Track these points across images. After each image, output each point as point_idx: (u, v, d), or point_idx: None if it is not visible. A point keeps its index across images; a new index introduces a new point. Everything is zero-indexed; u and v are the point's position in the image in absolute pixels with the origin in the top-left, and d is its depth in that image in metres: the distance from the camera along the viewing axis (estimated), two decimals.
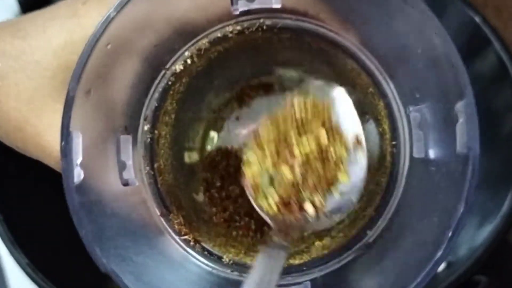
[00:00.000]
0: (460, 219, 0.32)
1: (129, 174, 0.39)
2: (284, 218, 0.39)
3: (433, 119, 0.36)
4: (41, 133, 0.40)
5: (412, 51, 0.36)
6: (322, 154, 0.39)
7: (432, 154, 0.37)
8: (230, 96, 0.48)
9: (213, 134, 0.49)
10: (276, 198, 0.38)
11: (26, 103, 0.40)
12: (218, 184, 0.48)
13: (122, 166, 0.38)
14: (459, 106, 0.33)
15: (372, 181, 0.43)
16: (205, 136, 0.49)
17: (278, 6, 0.38)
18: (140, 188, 0.40)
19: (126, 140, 0.39)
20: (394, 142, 0.40)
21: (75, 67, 0.34)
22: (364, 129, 0.43)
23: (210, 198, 0.48)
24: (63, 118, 0.34)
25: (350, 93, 0.45)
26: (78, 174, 0.34)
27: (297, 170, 0.38)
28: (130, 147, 0.39)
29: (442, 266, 0.48)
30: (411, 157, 0.39)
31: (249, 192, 0.39)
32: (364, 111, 0.45)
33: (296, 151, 0.38)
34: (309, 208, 0.38)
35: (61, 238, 0.49)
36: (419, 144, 0.38)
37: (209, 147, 0.49)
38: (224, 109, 0.49)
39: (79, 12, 0.40)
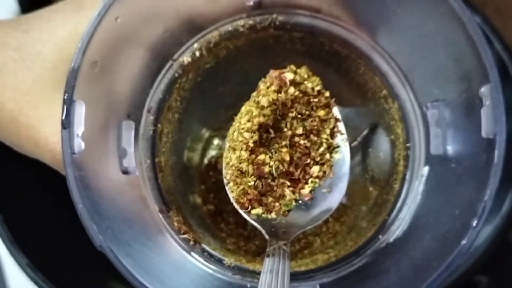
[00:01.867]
0: (485, 206, 0.31)
1: (129, 162, 0.37)
2: (269, 218, 0.38)
3: (453, 112, 0.35)
4: (35, 125, 0.38)
5: (433, 41, 0.35)
6: (306, 142, 0.38)
7: (451, 149, 0.35)
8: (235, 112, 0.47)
9: (217, 142, 0.48)
10: (252, 187, 0.37)
11: (24, 94, 0.38)
12: (212, 195, 0.47)
13: (122, 153, 0.36)
14: (484, 90, 0.31)
15: (384, 190, 0.41)
16: (208, 144, 0.47)
17: None
18: (140, 182, 0.38)
19: (128, 126, 0.37)
20: (408, 144, 0.39)
21: (82, 35, 0.33)
22: (373, 140, 0.42)
23: (208, 209, 0.46)
24: (66, 87, 0.32)
25: (361, 101, 0.44)
26: (79, 145, 0.32)
27: (274, 159, 0.37)
28: (132, 134, 0.37)
29: None
30: (429, 156, 0.37)
31: (232, 198, 0.38)
32: (373, 121, 0.44)
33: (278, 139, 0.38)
34: (286, 193, 0.37)
35: (61, 239, 0.50)
36: (437, 141, 0.36)
37: (211, 155, 0.47)
38: (229, 122, 0.47)
39: (85, 5, 0.39)
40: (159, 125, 0.40)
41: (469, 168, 0.33)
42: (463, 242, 0.31)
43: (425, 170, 0.37)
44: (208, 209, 0.48)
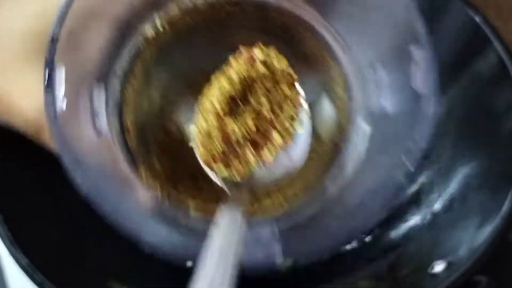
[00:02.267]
0: (417, 150, 0.36)
1: (101, 124, 0.40)
2: (233, 180, 0.43)
3: (390, 72, 0.40)
4: (7, 90, 0.41)
5: (374, 10, 0.39)
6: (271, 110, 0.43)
7: (390, 107, 0.40)
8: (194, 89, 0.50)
9: (177, 116, 0.50)
10: (219, 148, 0.42)
11: None
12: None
13: (95, 115, 0.40)
14: (416, 50, 0.37)
15: (330, 150, 0.46)
16: (169, 117, 0.50)
17: None
18: (111, 143, 0.41)
19: (99, 91, 0.40)
20: (350, 105, 0.44)
21: (60, 5, 0.36)
22: (320, 107, 0.47)
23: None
24: (48, 51, 0.35)
25: (309, 73, 0.48)
26: (61, 104, 0.35)
27: (241, 127, 0.42)
28: (103, 98, 0.41)
29: (442, 267, 0.48)
30: (369, 115, 0.42)
31: (200, 160, 0.43)
32: (320, 90, 0.48)
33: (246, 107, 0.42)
34: (250, 158, 0.42)
35: (61, 239, 0.50)
36: (377, 101, 0.41)
37: (172, 128, 0.50)
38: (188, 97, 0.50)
39: None
40: (125, 91, 0.43)
41: (406, 122, 0.38)
42: (398, 178, 0.36)
43: (367, 128, 0.42)
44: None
